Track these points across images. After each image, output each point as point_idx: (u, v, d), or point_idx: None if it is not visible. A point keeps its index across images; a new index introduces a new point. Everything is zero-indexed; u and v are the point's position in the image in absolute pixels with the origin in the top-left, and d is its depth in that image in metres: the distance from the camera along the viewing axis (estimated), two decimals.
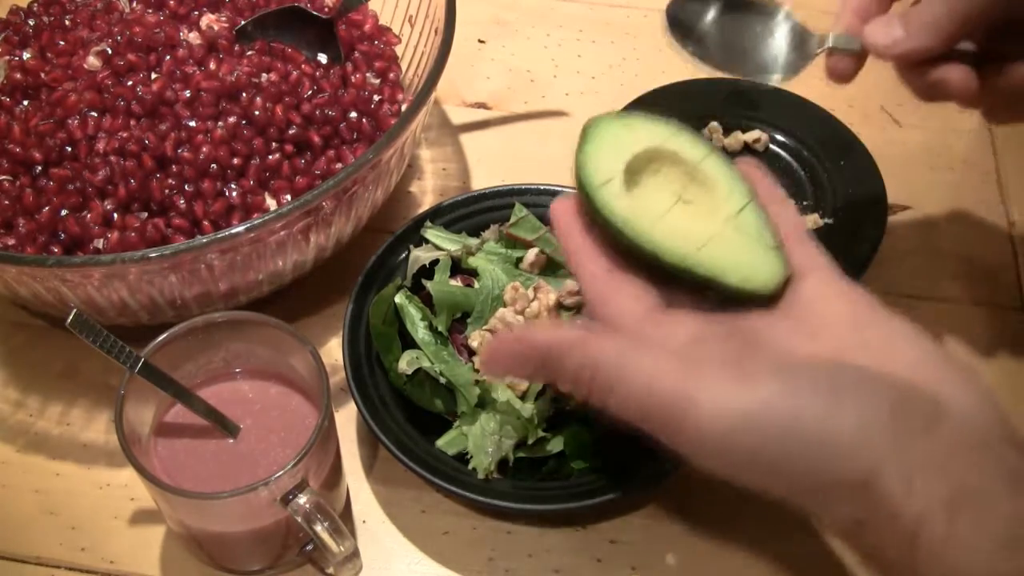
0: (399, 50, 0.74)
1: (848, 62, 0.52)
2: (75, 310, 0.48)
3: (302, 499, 0.49)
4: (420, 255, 0.63)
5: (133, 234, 0.60)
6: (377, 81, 0.70)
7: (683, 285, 0.43)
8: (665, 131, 0.46)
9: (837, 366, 0.36)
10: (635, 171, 0.45)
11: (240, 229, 0.53)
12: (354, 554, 0.53)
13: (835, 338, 0.39)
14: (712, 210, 0.44)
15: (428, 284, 0.60)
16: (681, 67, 0.82)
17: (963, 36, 0.48)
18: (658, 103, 0.77)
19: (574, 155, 0.45)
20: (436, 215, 0.65)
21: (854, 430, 0.34)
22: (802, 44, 0.54)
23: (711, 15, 0.55)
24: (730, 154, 0.76)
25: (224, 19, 0.68)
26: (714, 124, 0.77)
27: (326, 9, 0.72)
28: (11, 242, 0.60)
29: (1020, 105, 0.51)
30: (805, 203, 0.73)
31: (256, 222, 0.54)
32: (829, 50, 0.52)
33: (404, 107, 0.69)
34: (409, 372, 0.58)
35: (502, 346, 0.43)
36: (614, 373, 0.38)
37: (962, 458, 0.34)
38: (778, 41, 0.54)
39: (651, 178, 0.46)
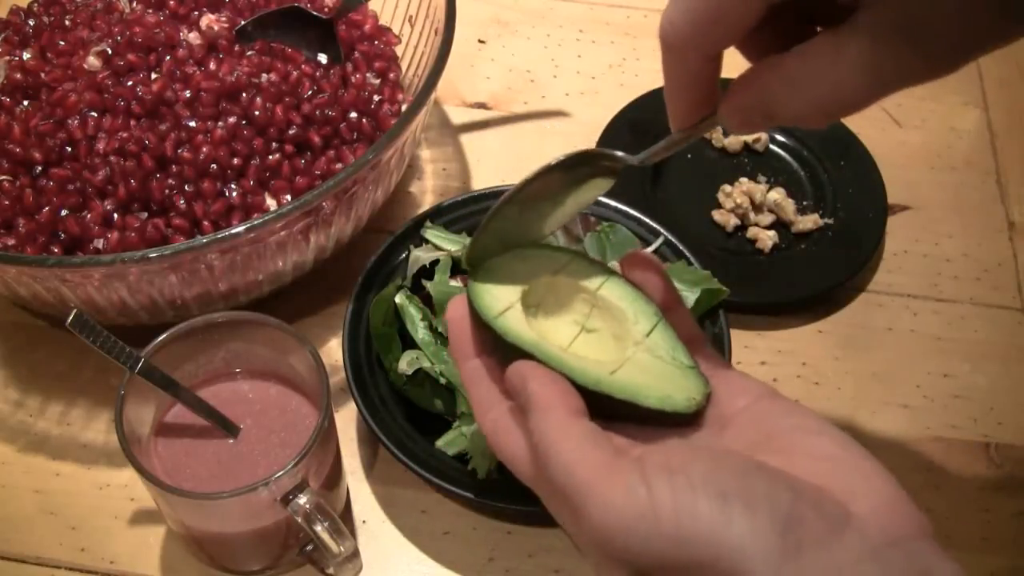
0: (399, 50, 0.74)
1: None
2: (75, 310, 0.48)
3: (302, 499, 0.49)
4: (420, 255, 0.62)
5: (133, 234, 0.60)
6: (377, 81, 0.70)
7: (600, 413, 0.39)
8: (560, 260, 0.44)
9: (740, 469, 0.35)
10: (532, 304, 0.43)
11: (240, 229, 0.53)
12: (354, 554, 0.53)
13: (741, 434, 0.38)
14: (619, 336, 0.42)
15: (428, 284, 0.60)
16: None
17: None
18: (658, 103, 0.77)
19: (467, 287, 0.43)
20: (436, 215, 0.65)
21: (739, 539, 0.33)
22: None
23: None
24: (730, 154, 0.77)
25: (224, 19, 0.68)
26: None
27: (326, 9, 0.72)
28: (11, 242, 0.60)
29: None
30: (805, 203, 0.74)
31: (256, 222, 0.54)
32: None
33: (404, 107, 0.69)
34: (409, 372, 0.58)
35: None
36: (550, 448, 0.37)
37: (870, 565, 0.32)
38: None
39: (550, 310, 0.44)
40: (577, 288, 0.44)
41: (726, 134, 0.77)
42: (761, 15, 0.35)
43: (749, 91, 0.37)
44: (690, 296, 0.59)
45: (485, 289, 0.42)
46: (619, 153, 0.42)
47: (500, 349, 0.41)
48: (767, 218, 0.72)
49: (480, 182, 0.75)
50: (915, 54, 0.33)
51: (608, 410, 0.39)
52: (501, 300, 0.42)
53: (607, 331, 0.43)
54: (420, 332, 0.59)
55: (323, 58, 0.69)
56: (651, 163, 0.42)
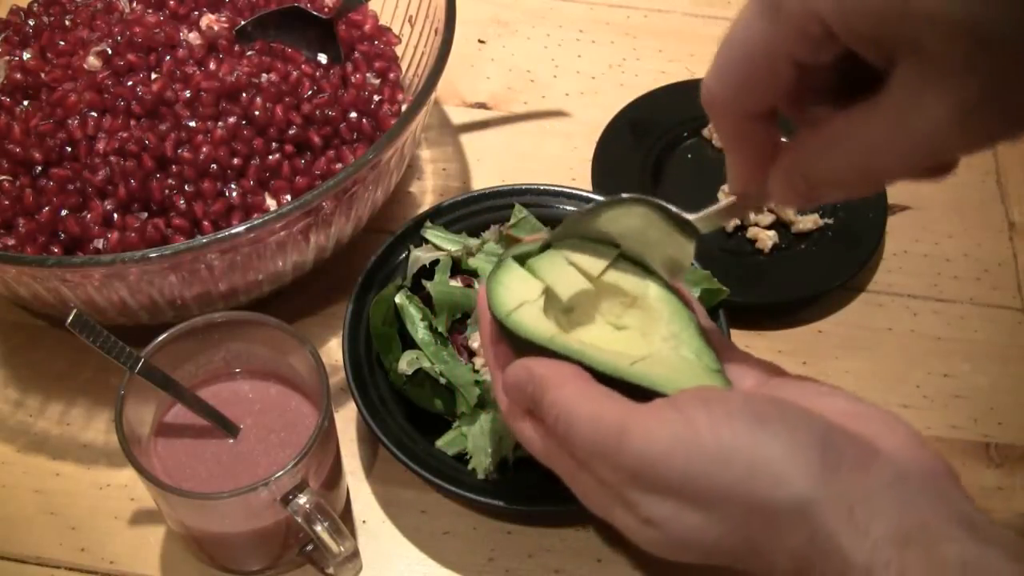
0: (399, 50, 0.74)
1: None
2: (75, 310, 0.48)
3: (302, 499, 0.49)
4: (420, 255, 0.62)
5: (133, 234, 0.60)
6: (377, 81, 0.70)
7: None
8: (605, 256, 0.44)
9: (769, 399, 0.36)
10: (568, 304, 0.44)
11: (240, 229, 0.53)
12: (354, 554, 0.53)
13: None
14: (647, 333, 0.43)
15: (428, 284, 0.60)
16: (681, 68, 0.83)
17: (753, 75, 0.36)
18: (658, 103, 0.77)
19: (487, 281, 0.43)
20: (436, 215, 0.65)
21: (780, 457, 0.34)
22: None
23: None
24: None
25: (224, 19, 0.68)
26: None
27: (326, 9, 0.72)
28: (11, 242, 0.60)
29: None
30: None
31: (256, 222, 0.54)
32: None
33: (404, 107, 0.69)
34: (409, 372, 0.58)
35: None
36: (572, 411, 0.38)
37: (904, 494, 0.33)
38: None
39: (586, 309, 0.44)
40: (615, 289, 0.44)
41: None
42: (792, 79, 0.34)
43: (791, 154, 0.37)
44: None
45: (502, 285, 0.43)
46: (673, 207, 0.42)
47: (513, 344, 0.42)
48: (767, 218, 0.72)
49: (480, 182, 0.75)
50: (943, 115, 0.31)
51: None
52: (516, 296, 0.42)
53: (637, 329, 0.44)
54: (420, 332, 0.59)
55: (323, 58, 0.69)
56: (707, 229, 0.42)
